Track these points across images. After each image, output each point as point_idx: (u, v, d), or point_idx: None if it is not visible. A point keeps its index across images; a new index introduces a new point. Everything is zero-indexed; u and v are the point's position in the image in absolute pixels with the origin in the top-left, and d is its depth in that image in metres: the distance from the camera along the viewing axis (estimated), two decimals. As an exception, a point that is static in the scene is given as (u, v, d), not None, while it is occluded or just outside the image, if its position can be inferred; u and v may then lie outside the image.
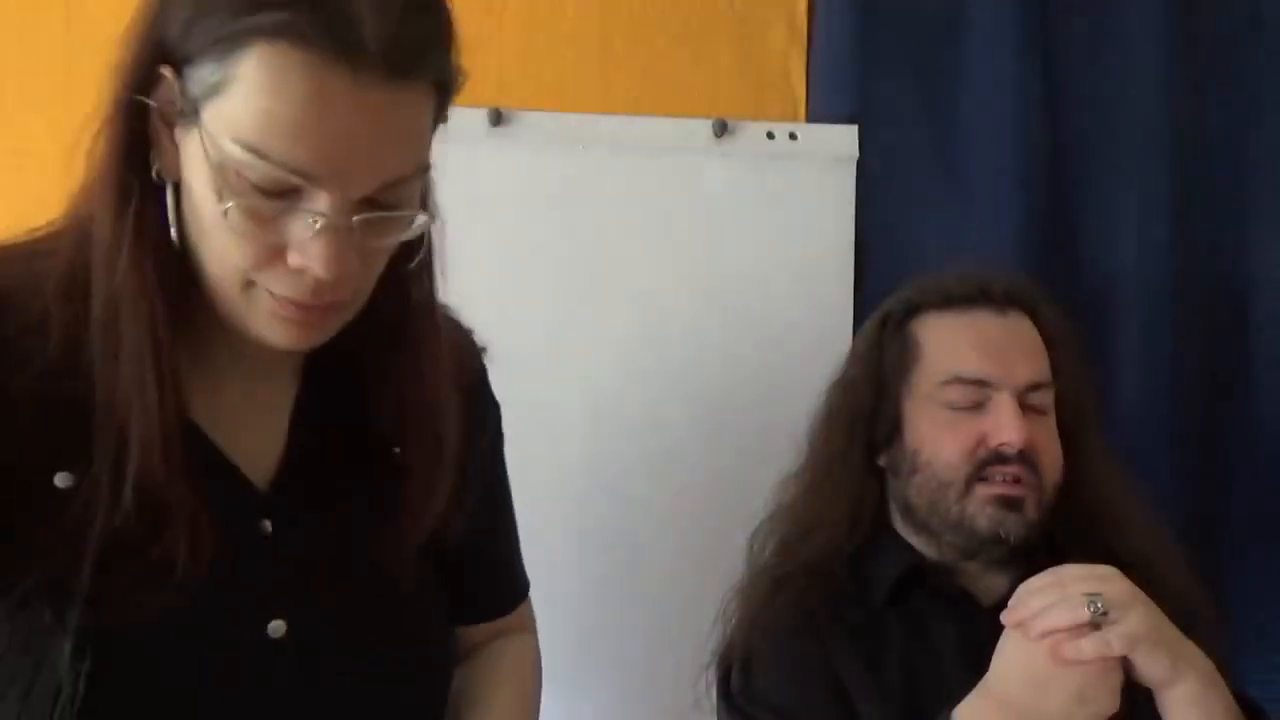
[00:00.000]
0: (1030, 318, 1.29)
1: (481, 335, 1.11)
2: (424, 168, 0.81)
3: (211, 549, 0.82)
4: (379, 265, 0.84)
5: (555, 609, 1.61)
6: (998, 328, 1.27)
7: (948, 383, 1.25)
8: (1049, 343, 1.29)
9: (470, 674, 1.11)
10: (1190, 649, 1.01)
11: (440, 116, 0.83)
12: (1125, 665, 0.99)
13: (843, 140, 1.71)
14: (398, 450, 0.95)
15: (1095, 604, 0.98)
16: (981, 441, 1.22)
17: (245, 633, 0.86)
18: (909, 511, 1.28)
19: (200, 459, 0.85)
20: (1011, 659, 1.03)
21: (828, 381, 1.41)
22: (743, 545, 1.40)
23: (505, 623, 1.17)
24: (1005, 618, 1.04)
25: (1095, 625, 0.98)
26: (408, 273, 0.88)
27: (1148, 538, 1.28)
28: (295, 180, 0.75)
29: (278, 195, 0.75)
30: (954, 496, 1.22)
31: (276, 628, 0.87)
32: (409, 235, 0.82)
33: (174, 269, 0.81)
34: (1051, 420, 1.27)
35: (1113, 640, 0.97)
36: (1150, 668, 0.98)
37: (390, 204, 0.79)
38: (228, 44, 0.73)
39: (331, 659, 0.90)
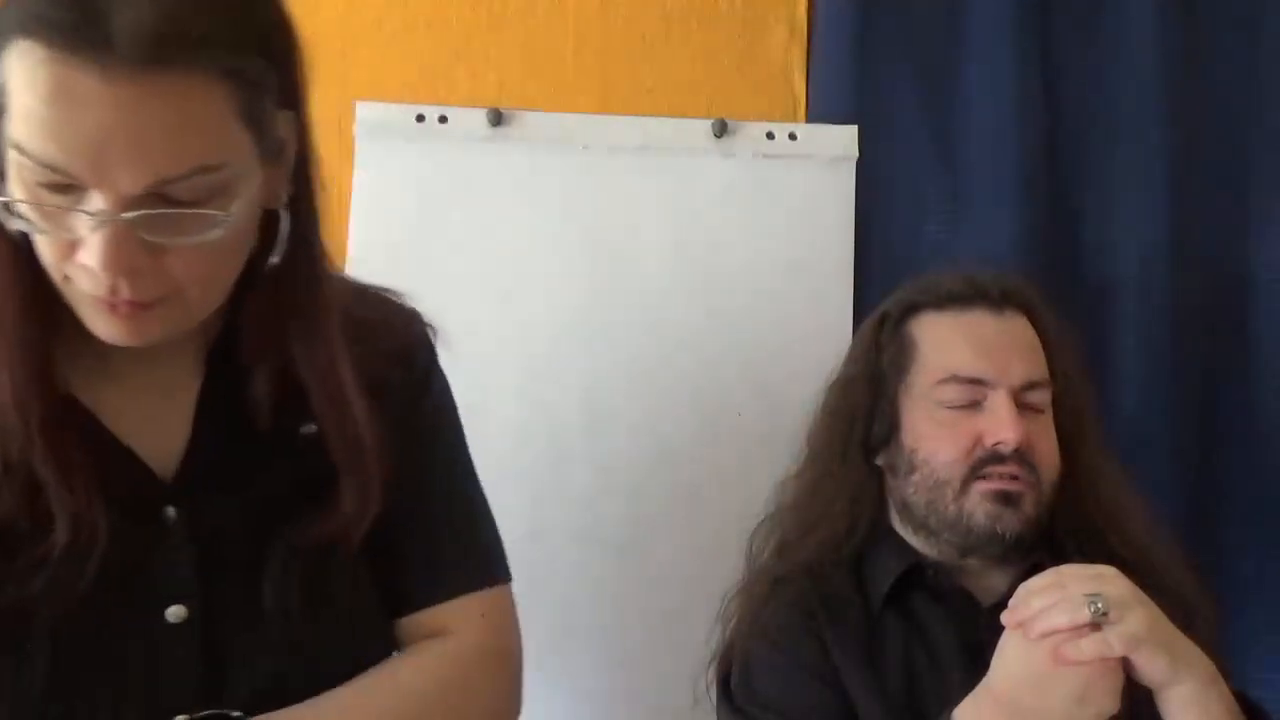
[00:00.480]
0: (1027, 317, 1.30)
1: (431, 315, 1.08)
2: (205, 167, 0.76)
3: (102, 534, 0.83)
4: (212, 261, 0.82)
5: (556, 608, 1.62)
6: (994, 327, 1.27)
7: (943, 381, 1.25)
8: (1046, 342, 1.30)
9: None
10: (1191, 649, 1.00)
11: (256, 106, 0.79)
12: (1125, 665, 0.99)
13: (843, 140, 1.71)
14: (306, 430, 0.93)
15: (1096, 604, 0.97)
16: (978, 441, 1.22)
17: (142, 617, 0.87)
18: (907, 510, 1.28)
19: (96, 447, 0.86)
20: (1012, 659, 1.02)
21: (827, 381, 1.41)
22: (743, 545, 1.40)
23: (433, 619, 1.03)
24: (1006, 618, 1.04)
25: (1096, 626, 0.98)
26: (279, 273, 0.87)
27: (1146, 536, 1.28)
28: (59, 178, 0.74)
29: (60, 192, 0.75)
30: (951, 495, 1.23)
31: (176, 613, 0.87)
32: (218, 232, 0.78)
33: (29, 257, 0.80)
34: (1048, 419, 1.27)
35: (1113, 641, 0.97)
36: (1150, 668, 0.98)
37: (186, 200, 0.76)
38: (1, 40, 0.73)
39: (242, 645, 0.90)
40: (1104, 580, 1.01)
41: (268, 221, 0.86)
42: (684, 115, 1.72)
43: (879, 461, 1.32)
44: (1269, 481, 1.72)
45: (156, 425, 0.91)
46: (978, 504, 1.21)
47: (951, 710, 1.05)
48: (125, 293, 0.78)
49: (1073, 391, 1.31)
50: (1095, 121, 1.75)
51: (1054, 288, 1.50)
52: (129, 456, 0.89)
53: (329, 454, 0.92)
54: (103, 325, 0.81)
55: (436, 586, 1.03)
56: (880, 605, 1.25)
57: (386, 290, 1.05)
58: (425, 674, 0.99)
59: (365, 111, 1.66)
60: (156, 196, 0.75)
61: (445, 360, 1.11)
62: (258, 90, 0.79)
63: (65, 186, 0.74)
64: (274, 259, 0.86)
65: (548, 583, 1.62)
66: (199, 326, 0.89)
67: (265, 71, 0.79)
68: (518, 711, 1.07)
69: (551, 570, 1.63)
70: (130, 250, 0.76)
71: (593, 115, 1.70)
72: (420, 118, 1.66)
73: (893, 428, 1.30)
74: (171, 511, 0.89)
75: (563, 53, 1.73)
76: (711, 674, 1.33)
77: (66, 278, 0.79)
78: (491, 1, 1.72)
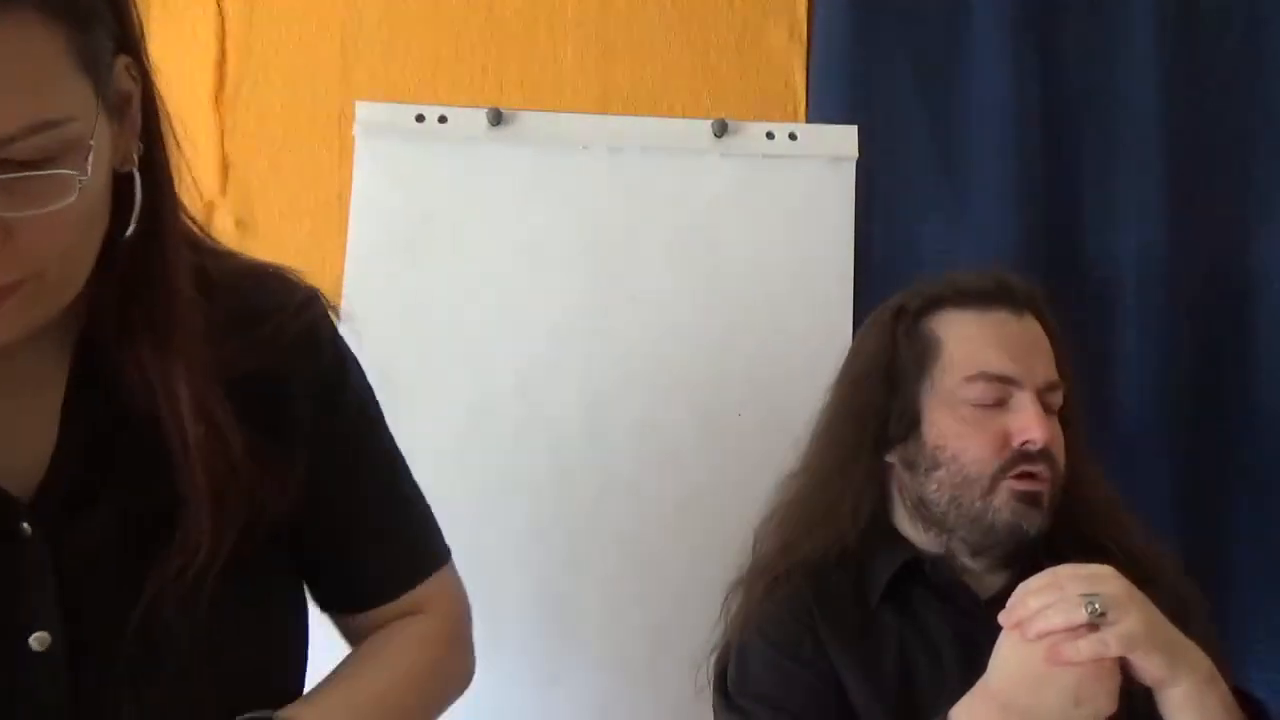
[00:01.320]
0: (1038, 320, 1.30)
1: (326, 294, 0.97)
2: (43, 122, 0.67)
3: None
4: (70, 232, 0.72)
5: (556, 606, 1.62)
6: (1017, 327, 1.27)
7: (972, 379, 1.24)
8: (1054, 345, 1.30)
9: (347, 660, 0.98)
10: (1189, 649, 1.00)
11: (92, 49, 0.70)
12: (1123, 665, 0.99)
13: (843, 140, 1.71)
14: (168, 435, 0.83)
15: (1093, 604, 0.97)
16: (1006, 441, 1.22)
17: (3, 647, 0.79)
18: (922, 506, 1.27)
19: None
20: (1008, 659, 1.02)
21: (828, 380, 1.41)
22: (741, 543, 1.40)
23: (400, 606, 1.00)
24: (1003, 618, 1.04)
25: (1093, 626, 0.98)
26: (132, 244, 0.78)
27: (1141, 535, 1.29)
28: None
29: None
30: (978, 493, 1.23)
31: (40, 639, 0.80)
32: (72, 197, 0.69)
33: None
34: (1057, 420, 1.28)
35: (1110, 641, 0.97)
36: (1148, 668, 0.98)
37: (30, 162, 0.67)
38: None
39: (116, 671, 0.82)
40: (1101, 580, 1.00)
41: (120, 188, 0.77)
42: (684, 115, 1.72)
43: (890, 458, 1.31)
44: (1270, 480, 1.72)
45: (15, 430, 0.81)
46: (1005, 502, 1.21)
47: (947, 710, 1.06)
48: None
49: (1071, 393, 1.31)
50: (1095, 121, 1.75)
51: (1054, 287, 1.49)
52: None
53: (177, 453, 0.83)
54: None
55: (399, 580, 1.00)
56: (878, 600, 1.25)
57: (283, 270, 0.95)
58: (415, 655, 0.98)
59: (365, 111, 1.66)
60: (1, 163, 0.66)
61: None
62: (91, 29, 0.70)
63: None
64: (130, 230, 0.77)
65: (548, 582, 1.63)
66: (61, 313, 0.79)
67: (97, 5, 0.70)
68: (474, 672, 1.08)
69: (552, 570, 1.63)
70: None
71: (593, 115, 1.71)
72: (420, 118, 1.67)
73: (912, 424, 1.29)
74: (27, 528, 0.80)
75: (563, 53, 1.73)
76: (710, 669, 1.33)
77: None
78: (491, 1, 1.72)
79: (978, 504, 1.22)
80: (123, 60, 0.75)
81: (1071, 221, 1.75)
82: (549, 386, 1.65)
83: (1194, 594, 1.25)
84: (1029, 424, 1.21)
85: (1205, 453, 1.73)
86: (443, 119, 1.67)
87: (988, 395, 1.24)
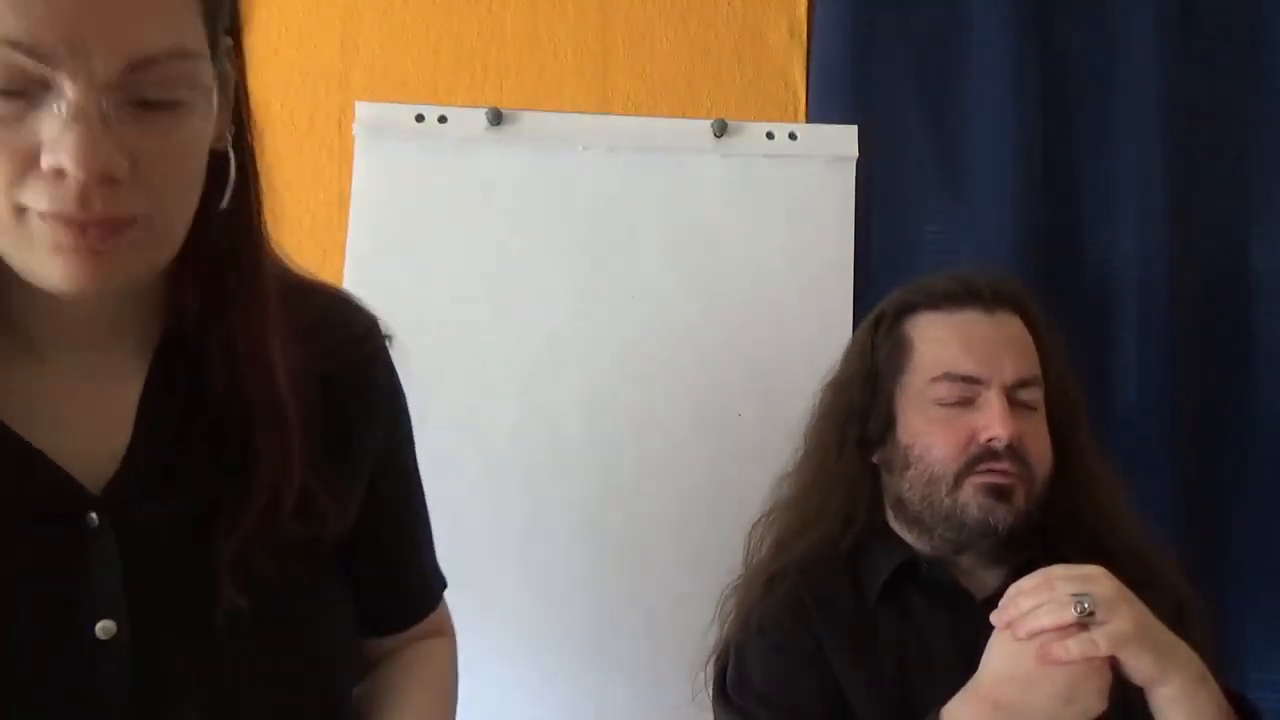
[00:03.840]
0: (1020, 317, 1.31)
1: (386, 322, 1.00)
2: (182, 50, 0.71)
3: (9, 549, 0.78)
4: (170, 172, 0.74)
5: (556, 607, 1.63)
6: (986, 326, 1.28)
7: (938, 379, 1.26)
8: (1038, 342, 1.31)
9: (382, 679, 1.02)
10: (1179, 648, 1.01)
11: (215, 15, 0.75)
12: (1114, 664, 0.99)
13: (843, 140, 1.71)
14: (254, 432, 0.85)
15: (1082, 604, 0.98)
16: (972, 437, 1.24)
17: (68, 634, 0.80)
18: (901, 506, 1.29)
19: (4, 459, 0.80)
20: (999, 659, 1.03)
21: (824, 381, 1.42)
22: (740, 544, 1.41)
23: (419, 628, 1.06)
24: (994, 618, 1.05)
25: (1083, 625, 0.98)
26: (225, 220, 0.80)
27: (1138, 533, 1.29)
28: (24, 61, 0.66)
29: (16, 95, 0.68)
30: (945, 490, 1.24)
31: (105, 628, 0.80)
32: (187, 128, 0.73)
33: None
34: (1041, 416, 1.28)
35: (1099, 640, 0.98)
36: (1137, 667, 0.98)
37: (151, 91, 0.70)
38: None
39: (180, 661, 0.83)
40: (1091, 580, 1.01)
41: (210, 170, 0.79)
42: (684, 115, 1.72)
43: (875, 459, 1.33)
44: (1270, 480, 1.72)
45: (92, 423, 0.83)
46: (971, 497, 1.22)
47: (939, 710, 1.06)
48: (96, 203, 0.70)
49: (1065, 390, 1.32)
50: (1095, 121, 1.75)
51: (1054, 288, 1.50)
52: (41, 462, 0.80)
53: (257, 445, 0.84)
54: (59, 265, 0.72)
55: (433, 594, 1.08)
56: (875, 600, 1.25)
57: (345, 292, 1.00)
58: (452, 667, 1.07)
59: (365, 111, 1.67)
60: (129, 86, 0.69)
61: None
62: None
63: (22, 87, 0.67)
64: (224, 203, 0.80)
65: (548, 583, 1.63)
66: (143, 308, 0.83)
67: None
68: None
69: (551, 570, 1.63)
70: (109, 146, 0.69)
71: (593, 115, 1.71)
72: (420, 117, 1.67)
73: (888, 425, 1.31)
74: (95, 518, 0.81)
75: (563, 53, 1.73)
76: (709, 670, 1.34)
77: (19, 210, 0.70)
78: (491, 1, 1.73)
79: (946, 501, 1.24)
80: (227, 42, 0.78)
81: (1071, 221, 1.74)
82: (548, 386, 1.65)
83: (1193, 595, 1.25)
84: (992, 421, 1.22)
85: (1204, 452, 1.72)
86: (442, 119, 1.67)
87: (953, 394, 1.25)
